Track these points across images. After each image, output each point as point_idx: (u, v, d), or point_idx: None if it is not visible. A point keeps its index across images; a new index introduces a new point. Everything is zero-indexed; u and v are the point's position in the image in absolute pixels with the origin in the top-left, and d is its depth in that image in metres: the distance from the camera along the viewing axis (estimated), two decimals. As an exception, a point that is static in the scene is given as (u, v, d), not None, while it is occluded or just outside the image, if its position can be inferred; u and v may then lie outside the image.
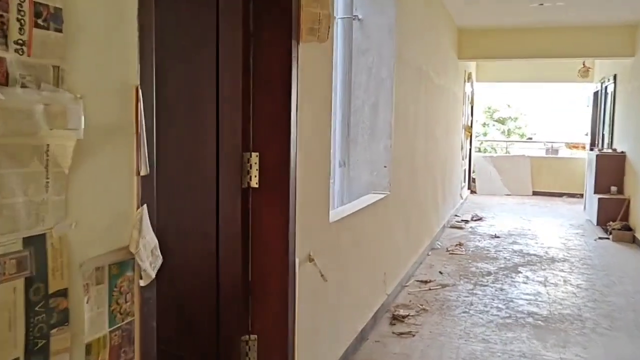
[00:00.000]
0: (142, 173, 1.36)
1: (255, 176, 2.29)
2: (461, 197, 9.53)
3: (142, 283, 1.34)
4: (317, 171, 2.64)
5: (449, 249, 6.16)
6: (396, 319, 3.88)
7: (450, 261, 5.66)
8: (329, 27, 2.37)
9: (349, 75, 3.97)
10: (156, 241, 1.41)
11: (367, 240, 3.61)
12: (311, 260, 2.51)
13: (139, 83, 1.34)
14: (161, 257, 1.43)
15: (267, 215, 2.32)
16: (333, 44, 2.71)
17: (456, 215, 8.33)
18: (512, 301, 4.41)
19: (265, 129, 2.29)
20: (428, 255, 5.86)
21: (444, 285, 4.77)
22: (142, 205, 1.36)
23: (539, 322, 3.96)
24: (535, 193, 11.34)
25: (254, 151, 2.29)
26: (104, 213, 1.25)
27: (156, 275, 2.33)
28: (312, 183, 2.59)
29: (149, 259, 1.36)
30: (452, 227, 7.55)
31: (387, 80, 3.99)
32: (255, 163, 2.29)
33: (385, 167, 4.08)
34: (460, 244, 6.39)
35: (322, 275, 2.52)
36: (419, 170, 5.42)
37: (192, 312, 2.48)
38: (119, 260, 1.29)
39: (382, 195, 3.97)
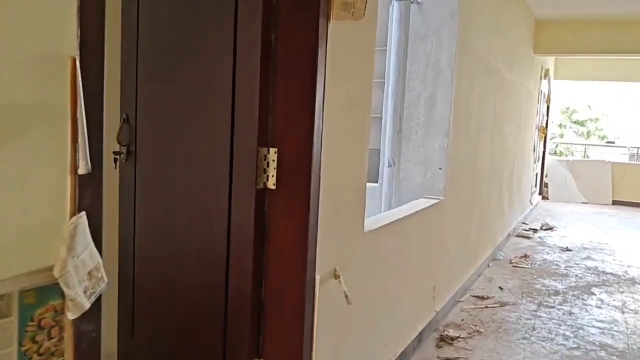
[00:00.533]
0: (81, 171, 1.04)
1: (273, 176, 1.95)
2: (531, 203, 8.81)
3: (70, 316, 1.02)
4: (349, 172, 2.26)
5: (512, 261, 5.60)
6: (444, 340, 3.44)
7: (512, 275, 5.12)
8: (366, 2, 1.99)
9: (403, 63, 3.55)
10: (98, 260, 1.09)
11: (415, 251, 3.20)
12: (337, 276, 2.14)
13: (77, 54, 1.02)
14: (106, 279, 1.11)
15: (284, 221, 1.97)
16: (375, 24, 2.32)
17: (524, 223, 7.67)
18: (582, 329, 3.85)
19: (286, 120, 1.94)
20: (488, 266, 5.33)
21: (503, 304, 4.26)
22: (78, 212, 1.04)
23: (614, 357, 3.40)
24: (615, 202, 10.38)
25: (272, 146, 1.95)
26: (13, 223, 0.94)
27: (160, 286, 2.03)
28: (343, 186, 2.21)
29: (84, 283, 1.03)
30: (519, 236, 6.93)
31: (446, 70, 3.54)
32: (273, 160, 1.94)
33: (440, 168, 3.63)
34: (525, 256, 5.81)
35: (346, 297, 2.15)
36: (482, 173, 4.90)
37: (197, 328, 2.18)
38: (37, 286, 0.98)
39: (436, 201, 3.54)
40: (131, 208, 2.38)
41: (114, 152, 2.38)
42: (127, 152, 2.38)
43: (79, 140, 1.02)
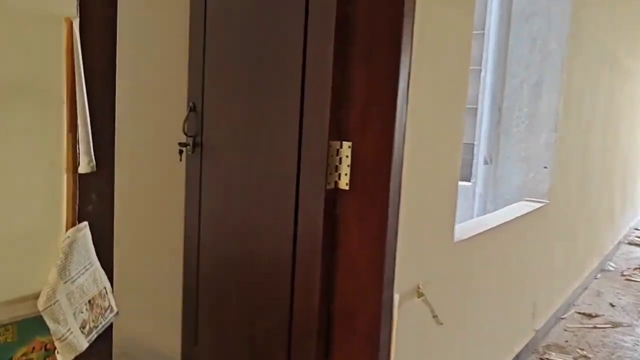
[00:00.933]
0: (83, 170, 0.80)
1: (346, 174, 1.66)
2: (645, 206, 7.89)
3: (59, 358, 0.79)
4: (438, 171, 1.92)
5: (624, 273, 4.94)
6: (545, 365, 3.01)
7: (625, 290, 4.49)
8: (466, -37, 1.64)
9: (505, 46, 3.12)
10: (105, 284, 0.85)
11: (513, 262, 2.78)
12: (420, 294, 1.81)
13: (76, 15, 0.78)
14: (115, 308, 0.87)
15: (357, 228, 1.67)
16: (475, -5, 1.95)
17: (637, 229, 6.85)
18: None
19: (363, 110, 1.64)
20: (596, 278, 4.73)
21: (615, 324, 3.70)
22: (78, 223, 0.81)
23: None
24: None
25: (346, 140, 1.65)
26: (-19, 238, 0.71)
27: (224, 290, 1.80)
28: (430, 187, 1.88)
29: (81, 315, 0.80)
30: (631, 243, 6.17)
31: (555, 55, 3.06)
32: (347, 156, 1.65)
33: (545, 167, 3.17)
34: (641, 268, 5.12)
35: (434, 317, 1.82)
36: (592, 173, 4.32)
37: (261, 341, 1.95)
38: (19, 318, 0.75)
39: (539, 205, 3.09)
40: (196, 205, 2.19)
41: (180, 144, 2.20)
42: (193, 143, 2.18)
43: (79, 129, 0.78)
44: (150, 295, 2.63)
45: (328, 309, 1.74)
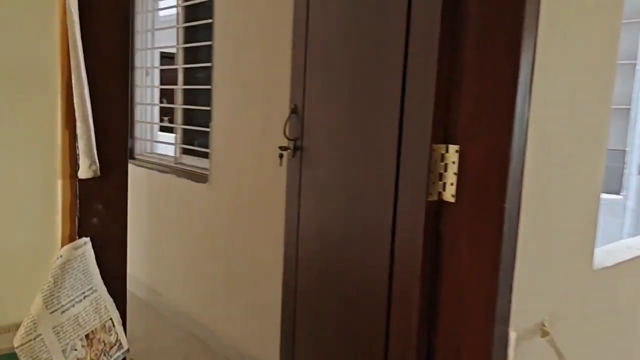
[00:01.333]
0: (83, 174, 0.66)
1: (452, 184, 1.40)
2: None
3: (45, 405, 0.65)
4: (572, 181, 1.58)
5: None
6: None
7: None
8: None
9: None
10: (112, 315, 0.70)
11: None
12: (545, 333, 1.48)
13: (74, -16, 0.63)
14: (125, 345, 0.72)
15: (465, 249, 1.40)
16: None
17: None
18: None
19: (474, 108, 1.36)
20: None
21: None
22: (77, 238, 0.67)
23: None
24: None
25: (453, 143, 1.39)
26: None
27: (320, 307, 1.65)
28: (560, 202, 1.54)
29: (74, 353, 0.65)
30: None
31: None
32: (454, 163, 1.39)
33: None
34: None
35: (561, 364, 1.48)
36: None
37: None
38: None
39: None
40: (295, 214, 2.04)
41: (280, 147, 2.08)
42: (294, 147, 2.05)
43: (78, 125, 0.64)
44: (253, 306, 2.55)
45: (429, 340, 1.48)
